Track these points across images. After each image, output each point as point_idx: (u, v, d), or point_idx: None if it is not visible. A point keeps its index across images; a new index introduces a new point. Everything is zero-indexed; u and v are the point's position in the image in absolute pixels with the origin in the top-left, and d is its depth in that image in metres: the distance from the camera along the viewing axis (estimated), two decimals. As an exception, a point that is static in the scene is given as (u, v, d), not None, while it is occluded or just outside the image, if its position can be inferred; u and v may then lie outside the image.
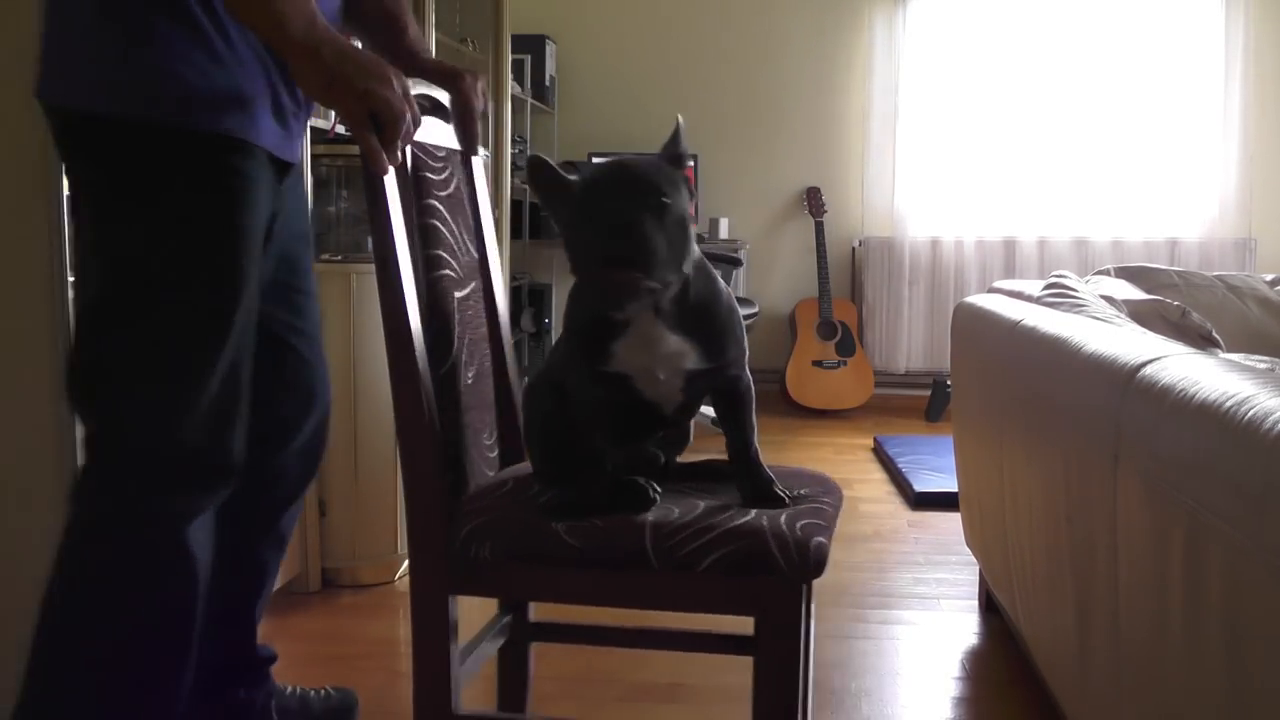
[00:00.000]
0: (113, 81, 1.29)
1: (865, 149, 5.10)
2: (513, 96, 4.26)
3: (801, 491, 1.36)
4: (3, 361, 1.61)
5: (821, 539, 1.20)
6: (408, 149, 1.35)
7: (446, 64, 1.57)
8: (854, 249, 5.18)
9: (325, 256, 2.48)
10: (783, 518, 1.23)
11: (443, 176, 1.46)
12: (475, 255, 1.56)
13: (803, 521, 1.22)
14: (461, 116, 1.54)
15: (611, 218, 1.16)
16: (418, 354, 1.28)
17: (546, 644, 2.14)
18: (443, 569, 1.30)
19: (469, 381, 1.45)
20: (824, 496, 1.36)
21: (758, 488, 1.32)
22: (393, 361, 1.28)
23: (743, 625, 1.40)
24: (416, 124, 1.28)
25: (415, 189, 1.37)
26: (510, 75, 4.21)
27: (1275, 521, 0.84)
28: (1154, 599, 1.11)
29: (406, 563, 2.63)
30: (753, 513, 1.25)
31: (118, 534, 1.33)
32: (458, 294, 1.43)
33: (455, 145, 1.55)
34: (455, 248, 1.46)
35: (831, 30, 5.12)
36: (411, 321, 1.28)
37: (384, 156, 1.23)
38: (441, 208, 1.42)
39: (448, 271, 1.41)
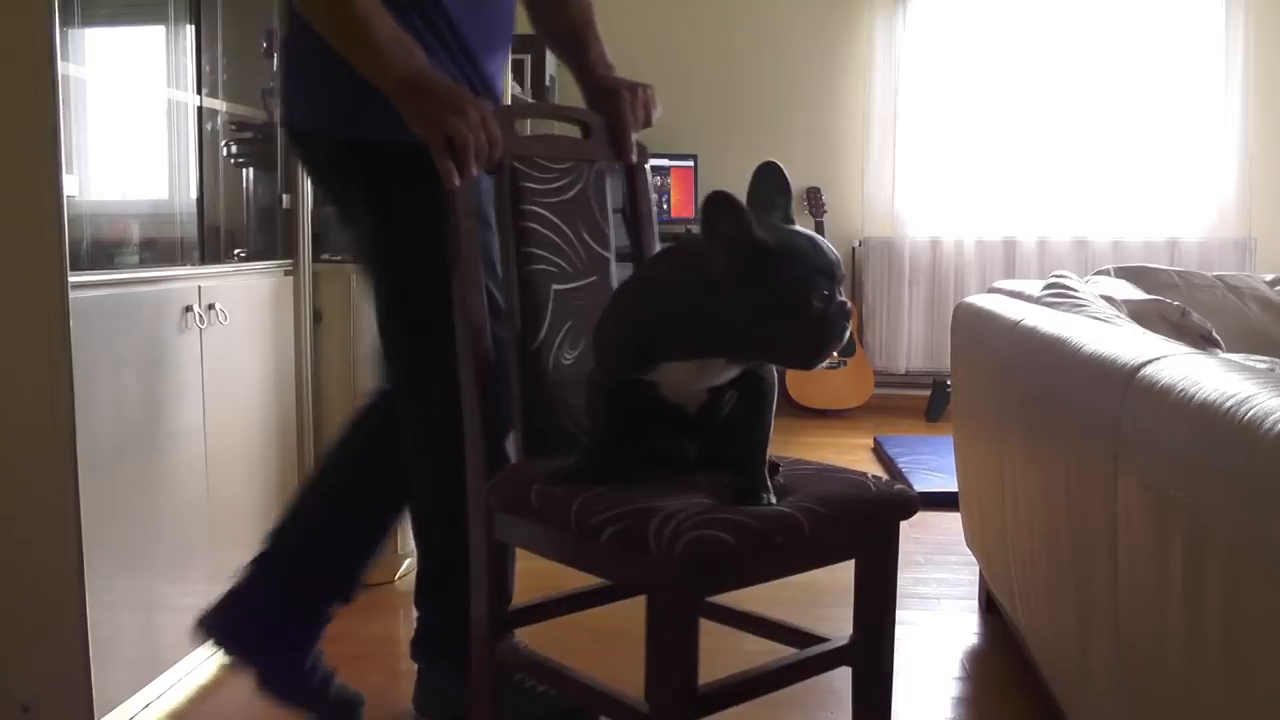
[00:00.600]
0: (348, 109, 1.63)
1: (865, 149, 5.11)
2: (513, 96, 4.27)
3: (789, 496, 1.35)
4: (4, 361, 1.61)
5: (709, 533, 1.20)
6: (510, 164, 1.54)
7: (612, 81, 1.74)
8: (854, 249, 5.18)
9: (325, 256, 2.48)
10: (698, 510, 1.25)
11: (554, 185, 1.61)
12: (599, 252, 1.66)
13: (710, 516, 1.23)
14: (611, 131, 1.69)
15: (841, 309, 1.23)
16: (478, 331, 1.49)
17: (544, 646, 2.16)
18: (480, 516, 1.49)
19: (567, 361, 1.59)
20: (811, 502, 1.33)
21: (746, 489, 1.31)
22: (459, 337, 1.50)
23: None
24: (494, 147, 1.46)
25: (513, 197, 1.56)
26: (510, 75, 4.21)
27: (1275, 521, 0.84)
28: (1154, 599, 1.11)
29: (407, 562, 2.63)
30: (701, 502, 1.28)
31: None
32: (558, 286, 1.59)
33: (588, 156, 1.67)
34: (561, 245, 1.62)
35: (831, 31, 5.12)
36: (470, 306, 1.49)
37: (453, 175, 1.43)
38: (545, 211, 1.59)
39: (544, 266, 1.58)
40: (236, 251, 2.39)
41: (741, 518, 1.25)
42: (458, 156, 1.42)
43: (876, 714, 1.43)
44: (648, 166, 1.76)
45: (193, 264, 2.21)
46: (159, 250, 2.19)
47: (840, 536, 1.37)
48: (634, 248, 1.75)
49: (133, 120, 2.22)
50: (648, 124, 1.73)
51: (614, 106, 1.69)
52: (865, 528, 1.40)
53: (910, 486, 3.40)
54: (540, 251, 1.58)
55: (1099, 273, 2.30)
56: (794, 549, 1.30)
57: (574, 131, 1.70)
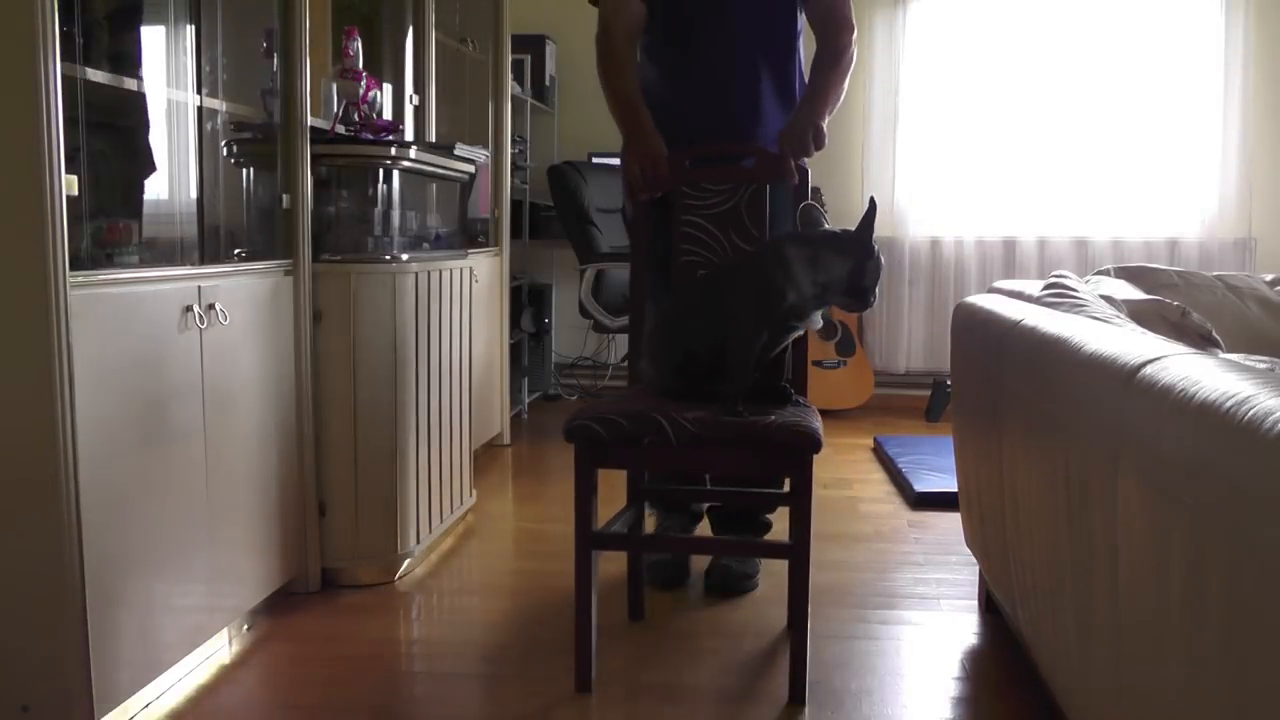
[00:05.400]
0: None
1: (865, 149, 5.11)
2: (513, 96, 4.26)
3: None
4: (4, 361, 1.61)
5: (587, 424, 1.98)
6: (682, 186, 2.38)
7: (792, 120, 2.40)
8: (854, 249, 5.18)
9: (325, 256, 2.48)
10: (610, 408, 2.05)
11: (711, 201, 2.36)
12: (745, 250, 2.33)
13: (607, 416, 1.99)
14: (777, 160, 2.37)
15: None
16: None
17: (545, 646, 2.15)
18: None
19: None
20: (699, 425, 1.95)
21: (726, 404, 2.02)
22: (631, 296, 2.41)
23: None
24: (659, 184, 2.35)
25: (676, 209, 2.37)
26: (510, 75, 4.21)
27: (1275, 521, 0.84)
28: (1154, 599, 1.11)
29: (406, 562, 2.63)
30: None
31: None
32: (701, 271, 2.36)
33: (748, 179, 2.37)
34: (709, 243, 2.37)
35: (831, 30, 5.11)
36: (638, 279, 2.39)
37: (636, 195, 2.38)
38: (701, 220, 2.37)
39: (692, 257, 2.37)
40: (236, 251, 2.39)
41: (624, 420, 1.96)
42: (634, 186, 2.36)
43: (798, 597, 1.98)
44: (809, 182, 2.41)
45: (192, 264, 2.21)
46: (159, 250, 2.19)
47: (719, 453, 1.97)
48: (753, 242, 2.43)
49: (133, 120, 2.21)
50: (806, 154, 2.35)
51: (780, 144, 2.37)
52: (760, 456, 1.96)
53: (911, 486, 3.42)
54: (691, 248, 2.38)
55: (1099, 273, 2.30)
56: (662, 451, 1.96)
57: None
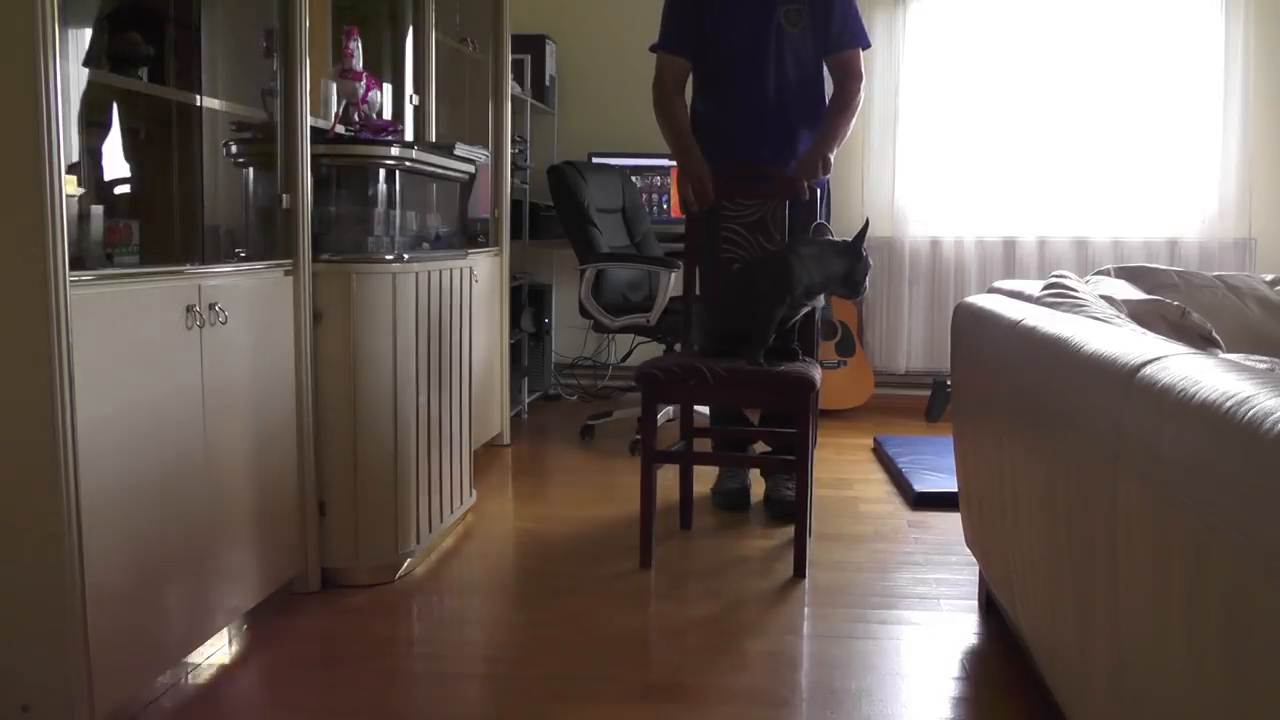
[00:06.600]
0: None
1: (865, 149, 5.10)
2: (513, 96, 4.26)
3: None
4: (4, 361, 1.61)
5: (652, 370, 2.75)
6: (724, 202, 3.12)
7: (807, 151, 3.11)
8: (854, 249, 5.18)
9: (325, 256, 2.48)
10: (678, 360, 2.83)
11: (744, 212, 3.08)
12: (769, 250, 3.02)
13: (671, 365, 2.76)
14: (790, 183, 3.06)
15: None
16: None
17: (545, 646, 2.15)
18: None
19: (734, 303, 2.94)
20: (727, 371, 2.83)
21: (747, 356, 2.77)
22: (684, 282, 3.13)
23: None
24: (704, 199, 3.04)
25: (718, 218, 3.09)
26: (510, 75, 4.21)
27: (1275, 521, 0.84)
28: (1154, 599, 1.11)
29: (408, 562, 2.63)
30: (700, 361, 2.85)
31: None
32: (737, 265, 3.04)
33: (772, 195, 3.08)
34: (741, 244, 3.08)
35: (831, 30, 5.10)
36: (688, 273, 3.13)
37: (688, 206, 3.07)
38: (736, 226, 3.09)
39: (728, 255, 3.09)
40: (237, 251, 2.39)
41: (677, 368, 2.72)
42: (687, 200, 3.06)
43: (800, 497, 2.72)
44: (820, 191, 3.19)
45: (193, 263, 2.21)
46: (159, 250, 2.19)
47: (742, 391, 2.77)
48: (774, 243, 3.13)
49: (133, 120, 2.21)
50: (814, 179, 3.04)
51: (795, 170, 3.05)
52: (771, 393, 2.73)
53: (911, 486, 3.42)
54: (729, 247, 3.09)
55: (1099, 273, 2.30)
56: (702, 390, 2.72)
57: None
